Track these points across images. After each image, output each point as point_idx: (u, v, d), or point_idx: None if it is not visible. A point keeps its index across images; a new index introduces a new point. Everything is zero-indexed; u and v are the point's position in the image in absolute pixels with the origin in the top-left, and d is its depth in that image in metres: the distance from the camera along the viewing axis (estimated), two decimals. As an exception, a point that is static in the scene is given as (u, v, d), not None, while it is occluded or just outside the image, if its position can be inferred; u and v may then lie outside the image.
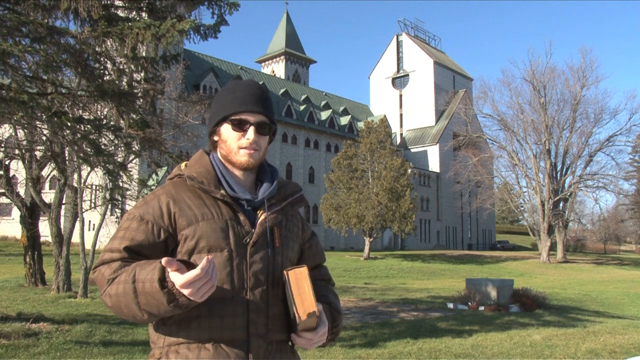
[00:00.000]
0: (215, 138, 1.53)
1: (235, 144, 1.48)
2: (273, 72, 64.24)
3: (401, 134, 64.14)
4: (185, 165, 1.53)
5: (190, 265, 1.24)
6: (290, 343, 1.48)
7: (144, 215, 1.41)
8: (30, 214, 15.16)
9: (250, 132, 1.46)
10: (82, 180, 13.93)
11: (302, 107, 52.32)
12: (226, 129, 1.50)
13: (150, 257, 1.37)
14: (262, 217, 1.46)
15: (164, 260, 1.20)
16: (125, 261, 1.36)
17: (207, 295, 1.25)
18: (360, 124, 49.36)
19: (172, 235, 1.41)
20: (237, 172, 1.51)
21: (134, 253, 1.38)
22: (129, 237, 1.39)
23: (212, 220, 1.40)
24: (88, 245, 14.64)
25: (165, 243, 1.41)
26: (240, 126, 1.48)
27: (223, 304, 1.36)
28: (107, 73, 7.90)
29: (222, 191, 1.45)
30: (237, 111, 1.47)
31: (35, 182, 14.83)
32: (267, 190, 1.50)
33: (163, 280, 1.23)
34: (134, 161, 16.28)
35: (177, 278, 1.21)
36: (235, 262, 1.39)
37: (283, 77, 61.96)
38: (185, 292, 1.21)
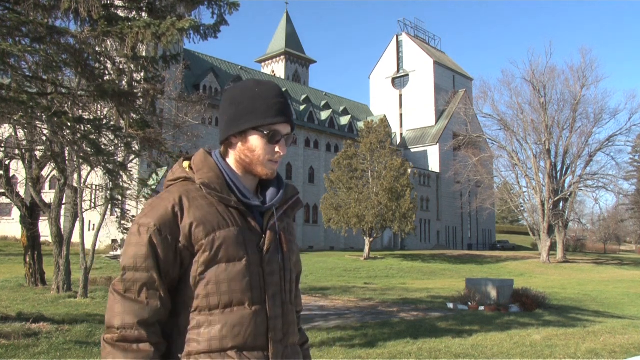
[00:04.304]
0: (235, 141, 1.46)
1: (266, 156, 1.44)
2: (273, 72, 64.24)
3: (401, 134, 64.14)
4: (190, 167, 1.46)
5: None
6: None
7: (162, 228, 1.34)
8: (30, 214, 15.16)
9: (283, 146, 1.45)
10: (82, 180, 13.93)
11: (302, 107, 52.31)
12: (256, 139, 1.43)
13: (167, 272, 1.36)
14: (271, 223, 1.45)
15: None
16: (150, 286, 1.34)
17: None
18: (360, 124, 49.34)
19: (187, 248, 1.36)
20: (247, 177, 1.48)
21: (156, 271, 1.34)
22: (151, 255, 1.34)
23: (228, 229, 1.37)
24: (88, 245, 14.65)
25: (181, 256, 1.37)
26: (274, 138, 1.44)
27: (244, 313, 1.36)
28: (107, 73, 7.89)
29: (234, 198, 1.42)
30: (273, 122, 1.43)
31: (35, 182, 14.83)
32: (275, 197, 1.48)
33: None
34: (134, 161, 16.28)
35: None
36: (253, 270, 1.38)
37: (283, 77, 61.95)
38: None
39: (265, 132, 1.43)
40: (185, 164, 1.48)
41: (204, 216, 1.37)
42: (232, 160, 1.48)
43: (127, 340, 1.29)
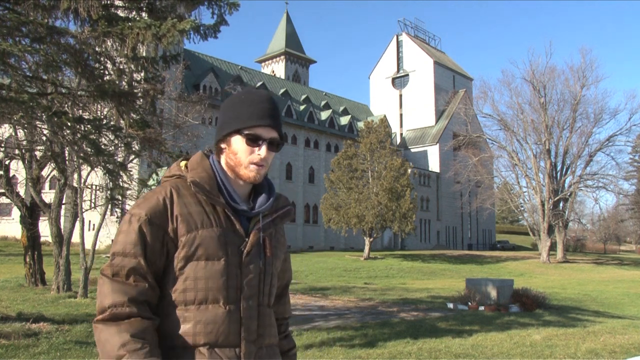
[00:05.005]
0: (223, 145, 1.53)
1: (247, 159, 1.48)
2: (273, 72, 64.22)
3: (401, 134, 64.13)
4: (185, 166, 1.53)
5: None
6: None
7: (152, 218, 1.42)
8: (30, 214, 15.16)
9: (263, 149, 1.48)
10: (82, 180, 13.93)
11: (302, 107, 52.30)
12: (238, 142, 1.49)
13: (154, 261, 1.41)
14: (256, 228, 1.50)
15: None
16: (137, 271, 1.38)
17: None
18: (360, 124, 49.32)
19: (172, 240, 1.43)
20: (238, 181, 1.52)
21: (143, 258, 1.40)
22: (139, 242, 1.40)
23: (210, 229, 1.43)
24: (88, 245, 14.65)
25: (167, 247, 1.44)
26: (253, 141, 1.48)
27: (218, 311, 1.40)
28: (107, 73, 7.89)
29: (222, 200, 1.47)
30: (252, 125, 1.47)
31: (35, 182, 14.83)
32: (263, 204, 1.52)
33: None
34: (134, 161, 16.28)
35: None
36: (231, 270, 1.43)
37: (283, 77, 61.94)
38: None
39: (245, 133, 1.47)
40: (183, 163, 1.55)
41: (188, 213, 1.44)
42: (223, 164, 1.54)
43: (118, 317, 1.33)
